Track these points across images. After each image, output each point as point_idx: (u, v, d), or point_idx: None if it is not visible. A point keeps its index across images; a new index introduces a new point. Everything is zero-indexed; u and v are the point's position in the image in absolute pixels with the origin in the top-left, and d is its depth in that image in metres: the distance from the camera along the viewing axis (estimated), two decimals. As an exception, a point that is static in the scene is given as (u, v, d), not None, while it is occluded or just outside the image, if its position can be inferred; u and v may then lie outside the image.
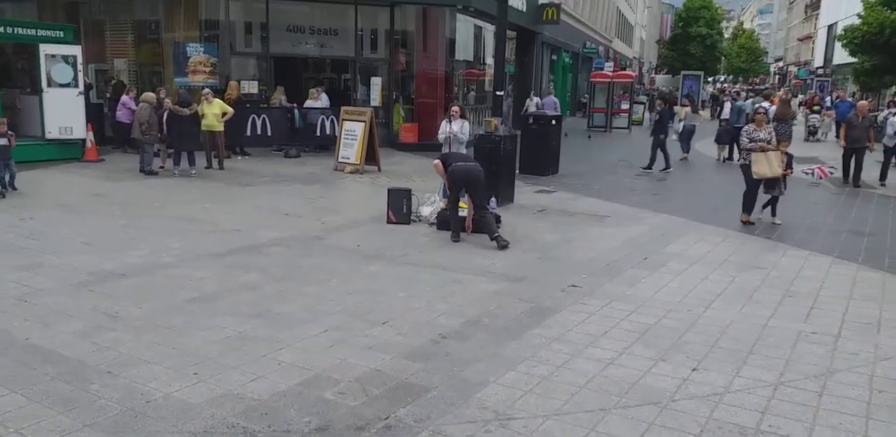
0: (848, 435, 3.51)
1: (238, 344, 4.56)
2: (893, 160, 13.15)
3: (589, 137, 18.06)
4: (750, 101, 23.88)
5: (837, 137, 21.69)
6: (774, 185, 8.78)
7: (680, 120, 17.11)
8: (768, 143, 8.78)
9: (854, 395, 3.97)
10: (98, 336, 4.63)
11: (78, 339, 4.58)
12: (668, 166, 14.22)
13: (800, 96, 41.10)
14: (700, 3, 57.77)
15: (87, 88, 14.18)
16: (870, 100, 24.17)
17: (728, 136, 16.38)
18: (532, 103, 24.21)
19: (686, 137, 16.63)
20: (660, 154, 14.29)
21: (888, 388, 4.06)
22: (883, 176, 12.89)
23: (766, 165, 8.62)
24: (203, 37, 16.26)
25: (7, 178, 9.75)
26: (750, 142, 8.84)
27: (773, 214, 8.98)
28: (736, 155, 16.58)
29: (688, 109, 17.87)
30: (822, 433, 3.52)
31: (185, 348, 4.46)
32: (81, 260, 6.49)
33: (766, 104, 16.70)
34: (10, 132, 9.90)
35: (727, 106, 18.40)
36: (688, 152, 16.76)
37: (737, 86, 62.21)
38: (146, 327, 4.82)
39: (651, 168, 14.23)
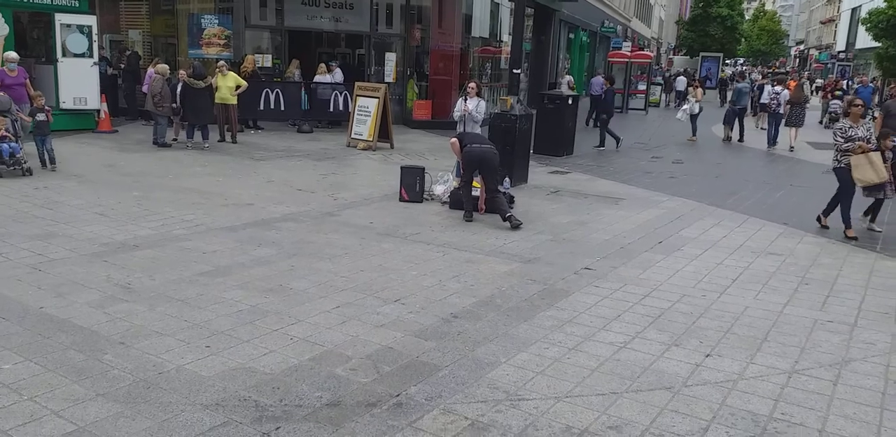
0: (862, 426, 3.48)
1: (250, 318, 4.56)
2: None
3: (587, 123, 17.10)
4: (758, 84, 23.84)
5: None
6: (879, 188, 7.45)
7: (696, 101, 17.11)
8: (867, 142, 7.38)
9: (869, 385, 3.93)
10: (111, 307, 4.65)
11: (92, 309, 4.60)
12: (601, 145, 14.52)
13: (818, 81, 40.43)
14: (721, -18, 56.65)
15: (102, 59, 14.12)
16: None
17: (734, 116, 16.73)
18: (565, 82, 24.18)
19: (694, 118, 16.81)
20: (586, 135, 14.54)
21: (904, 378, 4.02)
22: None
23: (871, 170, 7.25)
24: (218, 9, 16.11)
25: (45, 154, 9.28)
26: (846, 141, 7.44)
27: (873, 219, 7.86)
28: (746, 135, 16.79)
29: (699, 90, 18.02)
30: (835, 423, 3.49)
31: (197, 321, 4.47)
32: (95, 230, 6.50)
33: (778, 88, 16.75)
34: (46, 107, 9.52)
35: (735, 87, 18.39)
36: (695, 134, 16.87)
37: (756, 69, 61.30)
38: (159, 299, 4.84)
39: (604, 146, 14.58)
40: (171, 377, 3.70)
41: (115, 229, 6.58)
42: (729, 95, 21.22)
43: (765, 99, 17.78)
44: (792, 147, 15.73)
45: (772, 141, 16.05)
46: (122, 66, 15.46)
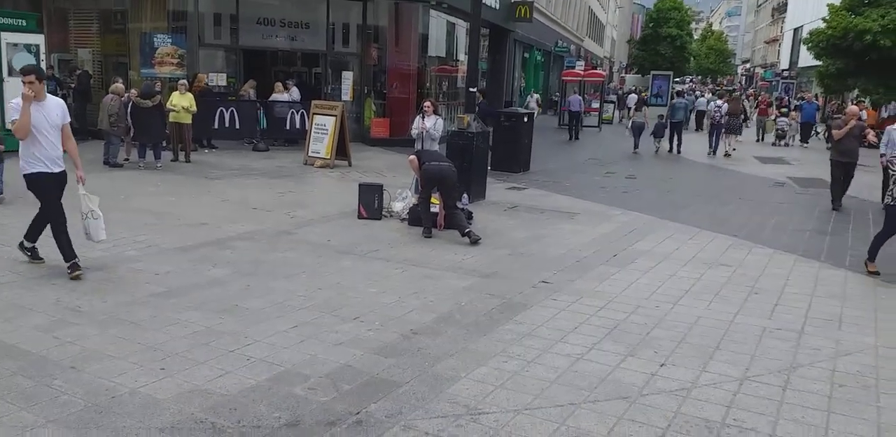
0: (810, 429, 3.59)
1: (205, 339, 4.49)
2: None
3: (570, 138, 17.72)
4: (706, 99, 26.11)
5: (802, 141, 22.43)
6: None
7: (629, 117, 18.73)
8: None
9: (816, 389, 4.06)
10: (61, 331, 4.52)
11: (40, 333, 4.46)
12: None
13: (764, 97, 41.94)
14: (670, 4, 58.65)
15: (51, 78, 13.83)
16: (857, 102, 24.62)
17: (663, 129, 18.17)
18: (532, 100, 25.25)
19: (637, 132, 18.05)
20: None
21: (848, 382, 4.16)
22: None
23: None
24: (171, 28, 15.96)
25: None
26: None
27: None
28: (683, 147, 17.97)
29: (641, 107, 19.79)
30: (785, 427, 3.59)
31: (151, 343, 4.38)
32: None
33: (719, 102, 18.70)
34: None
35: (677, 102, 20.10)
36: (637, 147, 17.95)
37: (707, 87, 63.22)
38: (111, 322, 4.73)
39: None
40: (124, 401, 3.61)
41: (64, 251, 6.40)
42: (629, 111, 23.56)
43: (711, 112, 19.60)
44: (727, 153, 17.66)
45: (712, 149, 17.91)
46: (73, 85, 15.16)
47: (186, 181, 10.77)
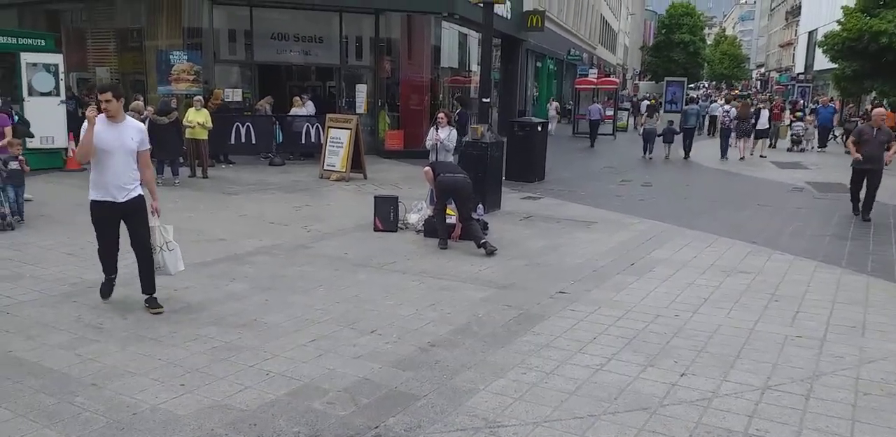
0: (835, 438, 3.54)
1: (225, 355, 4.52)
2: None
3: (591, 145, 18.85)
4: (716, 104, 26.69)
5: (820, 145, 22.20)
6: None
7: (641, 124, 19.12)
8: None
9: (840, 398, 4.00)
10: (82, 348, 4.57)
11: (62, 351, 4.52)
12: None
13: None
14: (683, 10, 58.55)
15: (72, 97, 14.08)
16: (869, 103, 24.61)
17: (672, 135, 18.43)
18: (552, 108, 25.79)
19: (649, 138, 18.33)
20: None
21: (873, 390, 4.10)
22: None
23: None
24: (186, 45, 16.21)
25: (16, 206, 8.40)
26: None
27: None
28: (693, 153, 18.35)
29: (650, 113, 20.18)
30: (809, 437, 3.54)
31: (171, 359, 4.41)
32: (64, 270, 6.42)
33: (727, 107, 19.63)
34: (21, 157, 8.68)
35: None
36: (651, 153, 18.24)
37: (721, 92, 62.95)
38: (131, 338, 4.77)
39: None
40: (145, 418, 3.64)
41: (85, 269, 6.48)
42: (642, 118, 23.97)
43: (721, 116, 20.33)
44: (742, 157, 17.95)
45: (724, 153, 18.35)
46: (92, 103, 15.39)
47: (204, 197, 10.88)
